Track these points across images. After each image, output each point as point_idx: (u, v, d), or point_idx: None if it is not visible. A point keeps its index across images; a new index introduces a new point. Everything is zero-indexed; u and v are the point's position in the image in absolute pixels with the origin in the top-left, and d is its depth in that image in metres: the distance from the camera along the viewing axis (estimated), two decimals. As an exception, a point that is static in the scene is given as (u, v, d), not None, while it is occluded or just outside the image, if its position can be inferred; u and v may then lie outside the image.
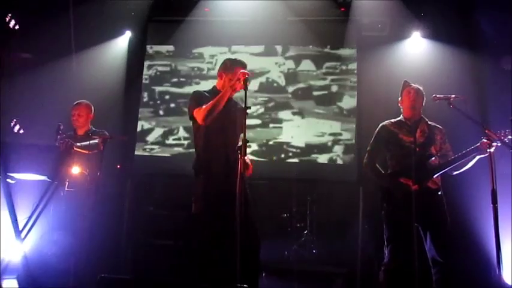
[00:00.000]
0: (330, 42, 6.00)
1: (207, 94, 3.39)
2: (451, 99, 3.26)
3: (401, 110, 3.64)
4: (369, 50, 5.79)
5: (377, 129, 3.69)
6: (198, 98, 3.36)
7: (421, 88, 3.57)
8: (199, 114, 3.23)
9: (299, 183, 5.68)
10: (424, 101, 3.58)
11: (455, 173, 3.50)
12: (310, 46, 6.02)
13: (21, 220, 3.38)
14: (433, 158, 3.49)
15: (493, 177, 2.94)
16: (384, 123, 3.68)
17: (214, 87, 3.50)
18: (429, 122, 3.61)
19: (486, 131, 3.11)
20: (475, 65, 4.93)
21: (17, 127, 2.88)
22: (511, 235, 3.91)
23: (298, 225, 5.75)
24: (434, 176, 3.43)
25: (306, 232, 5.67)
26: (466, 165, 3.41)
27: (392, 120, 3.67)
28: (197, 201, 3.34)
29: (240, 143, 2.97)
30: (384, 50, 5.70)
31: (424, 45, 5.62)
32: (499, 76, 4.46)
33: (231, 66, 3.42)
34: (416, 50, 5.64)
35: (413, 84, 3.58)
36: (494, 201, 2.93)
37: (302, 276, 4.82)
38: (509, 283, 3.91)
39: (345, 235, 5.49)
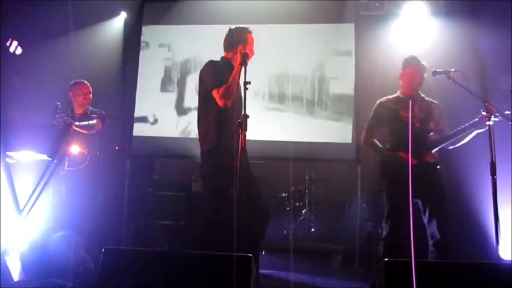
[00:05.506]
0: (327, 21, 5.96)
1: (220, 64, 3.34)
2: (451, 73, 3.27)
3: (400, 84, 3.66)
4: (367, 28, 5.77)
5: (374, 106, 3.72)
6: (215, 73, 3.28)
7: (425, 66, 3.57)
8: (220, 97, 3.20)
9: (297, 163, 5.70)
10: (424, 77, 3.59)
11: (451, 147, 3.53)
12: (308, 24, 5.98)
13: (22, 199, 3.39)
14: (432, 133, 3.52)
15: (492, 150, 2.96)
16: (381, 100, 3.71)
17: (223, 57, 3.44)
18: (426, 98, 3.64)
19: (485, 104, 3.12)
20: (474, 38, 4.92)
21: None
22: (511, 207, 3.95)
23: (297, 204, 5.79)
24: (433, 151, 3.46)
25: (304, 211, 5.71)
26: (463, 140, 3.43)
27: (390, 96, 3.69)
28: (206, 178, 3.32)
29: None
30: (382, 28, 5.68)
31: (422, 21, 5.59)
32: (498, 49, 4.46)
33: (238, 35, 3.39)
34: (414, 27, 5.61)
35: (416, 63, 3.57)
36: (493, 174, 2.95)
37: (301, 254, 4.87)
38: (507, 257, 3.94)
39: (343, 213, 5.53)
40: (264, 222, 3.43)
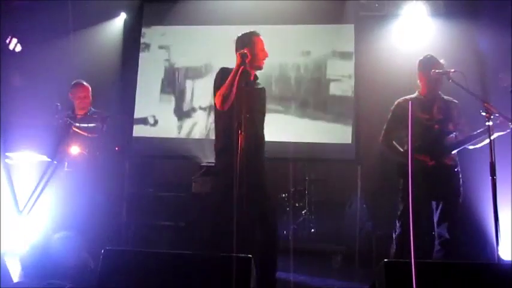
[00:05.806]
0: (327, 22, 5.96)
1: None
2: (450, 73, 3.26)
3: (418, 85, 3.61)
4: (367, 29, 5.77)
5: (392, 107, 3.67)
6: (221, 79, 3.27)
7: (443, 65, 3.48)
8: (217, 99, 3.20)
9: (297, 163, 5.70)
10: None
11: (471, 147, 3.49)
12: (308, 25, 5.98)
13: (22, 200, 3.39)
14: (451, 135, 3.49)
15: (492, 150, 2.95)
16: (399, 100, 3.64)
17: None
18: (444, 97, 3.59)
19: (485, 105, 3.11)
20: (474, 39, 4.92)
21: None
22: (511, 208, 3.94)
23: (297, 204, 5.78)
24: (453, 152, 3.45)
25: (304, 211, 5.71)
26: (483, 141, 3.37)
27: (408, 97, 3.63)
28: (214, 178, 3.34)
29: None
30: (382, 29, 5.69)
31: (422, 22, 5.59)
32: (498, 50, 4.45)
33: (242, 41, 3.38)
34: (413, 27, 5.62)
35: (437, 63, 3.48)
36: (493, 174, 2.95)
37: (301, 255, 4.86)
38: (507, 257, 3.94)
39: (343, 214, 5.53)
40: (269, 226, 3.42)
